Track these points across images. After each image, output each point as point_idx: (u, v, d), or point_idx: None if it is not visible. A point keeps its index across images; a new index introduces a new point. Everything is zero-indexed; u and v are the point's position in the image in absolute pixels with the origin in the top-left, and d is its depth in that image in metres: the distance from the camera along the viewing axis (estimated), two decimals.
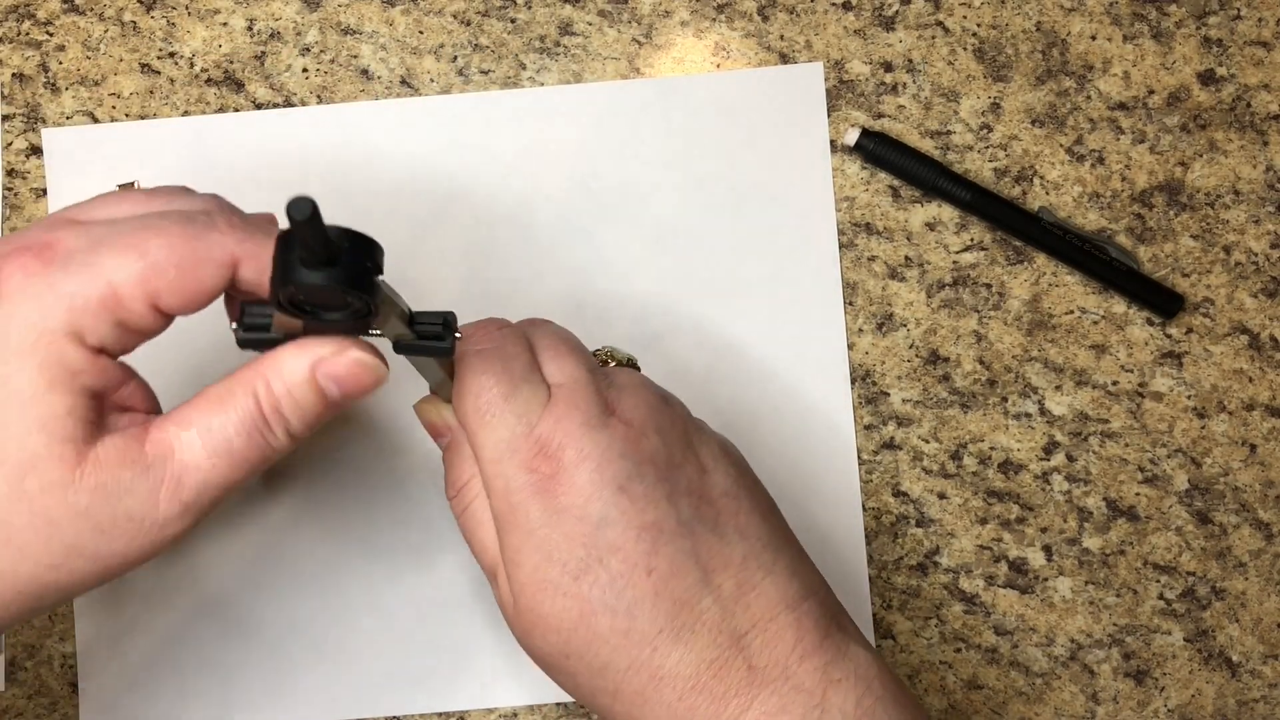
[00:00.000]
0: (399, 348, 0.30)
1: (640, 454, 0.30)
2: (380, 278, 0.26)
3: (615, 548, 0.29)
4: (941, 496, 0.44)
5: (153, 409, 0.31)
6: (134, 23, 0.45)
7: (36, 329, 0.26)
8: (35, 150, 0.45)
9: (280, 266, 0.25)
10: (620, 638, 0.29)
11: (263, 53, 0.45)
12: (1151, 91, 0.45)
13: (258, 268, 0.29)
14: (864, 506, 0.44)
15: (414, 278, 0.44)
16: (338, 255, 0.25)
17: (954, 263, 0.44)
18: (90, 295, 0.27)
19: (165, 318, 0.29)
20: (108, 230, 0.28)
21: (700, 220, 0.44)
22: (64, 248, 0.27)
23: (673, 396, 0.34)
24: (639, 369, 0.36)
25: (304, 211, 0.23)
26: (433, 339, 0.29)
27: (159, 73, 0.45)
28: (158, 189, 0.31)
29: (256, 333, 0.29)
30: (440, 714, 0.43)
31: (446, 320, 0.29)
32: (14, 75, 0.45)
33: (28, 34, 0.45)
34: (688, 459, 0.32)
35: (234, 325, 0.29)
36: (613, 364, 0.35)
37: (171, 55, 0.45)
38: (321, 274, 0.24)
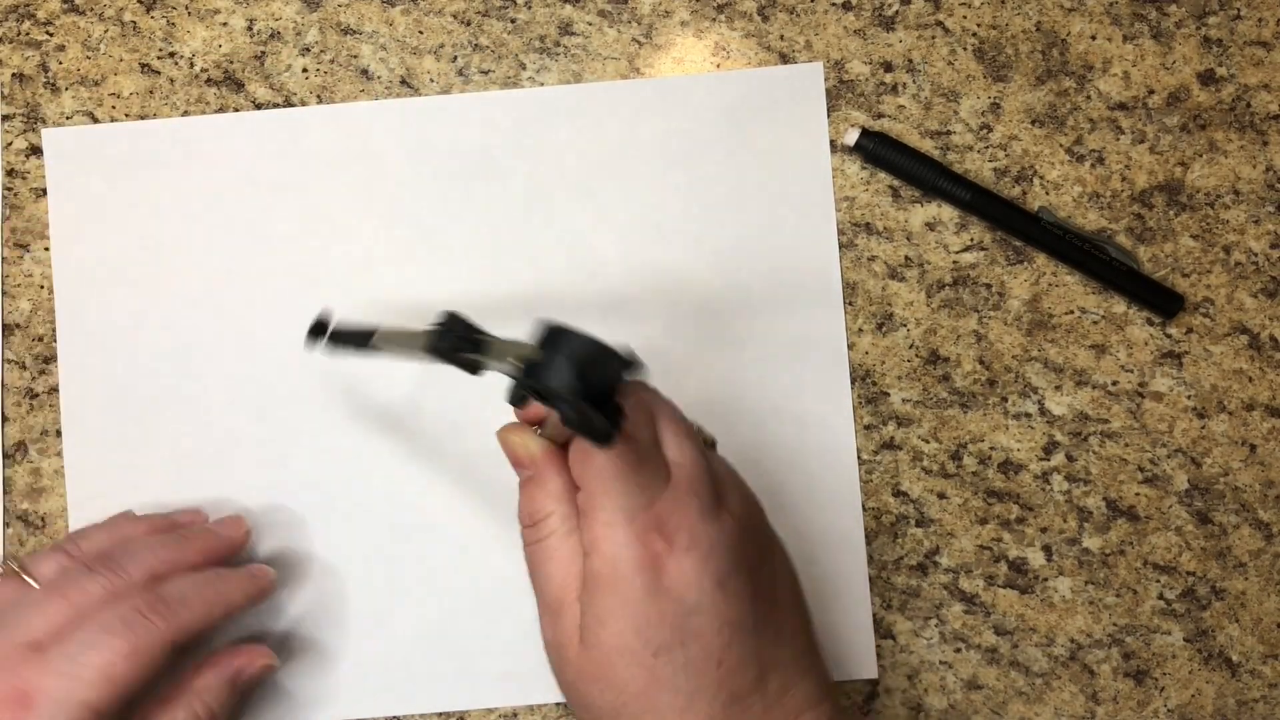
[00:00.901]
0: (567, 422, 0.31)
1: (739, 552, 0.32)
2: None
3: (698, 635, 0.31)
4: (941, 496, 0.44)
5: None
6: (134, 23, 0.45)
7: None
8: (35, 150, 0.45)
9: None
10: (675, 714, 0.31)
11: (263, 53, 0.45)
12: (1151, 91, 0.45)
13: (190, 632, 0.36)
14: (864, 507, 0.44)
15: (415, 278, 0.44)
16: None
17: (954, 263, 0.44)
18: None
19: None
20: (72, 666, 0.33)
21: (701, 220, 0.44)
22: (41, 692, 0.33)
23: (754, 494, 0.36)
24: (716, 448, 0.37)
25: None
26: (598, 428, 0.31)
27: (159, 73, 0.45)
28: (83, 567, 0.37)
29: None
30: (440, 714, 0.43)
31: (615, 412, 0.30)
32: (14, 75, 0.45)
33: (28, 34, 0.45)
34: (766, 561, 0.34)
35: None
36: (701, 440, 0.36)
37: (171, 55, 0.45)
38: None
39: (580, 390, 0.28)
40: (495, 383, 0.44)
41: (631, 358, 0.29)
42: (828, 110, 0.45)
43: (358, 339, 0.34)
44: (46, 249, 0.45)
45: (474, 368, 0.32)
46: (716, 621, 0.31)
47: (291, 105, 0.45)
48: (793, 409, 0.44)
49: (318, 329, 0.35)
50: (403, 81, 0.45)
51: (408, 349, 0.33)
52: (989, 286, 0.44)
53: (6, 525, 0.44)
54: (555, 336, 0.29)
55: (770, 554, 0.34)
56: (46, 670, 0.33)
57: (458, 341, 0.31)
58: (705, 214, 0.44)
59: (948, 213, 0.45)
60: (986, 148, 0.45)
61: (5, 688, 0.33)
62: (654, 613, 0.31)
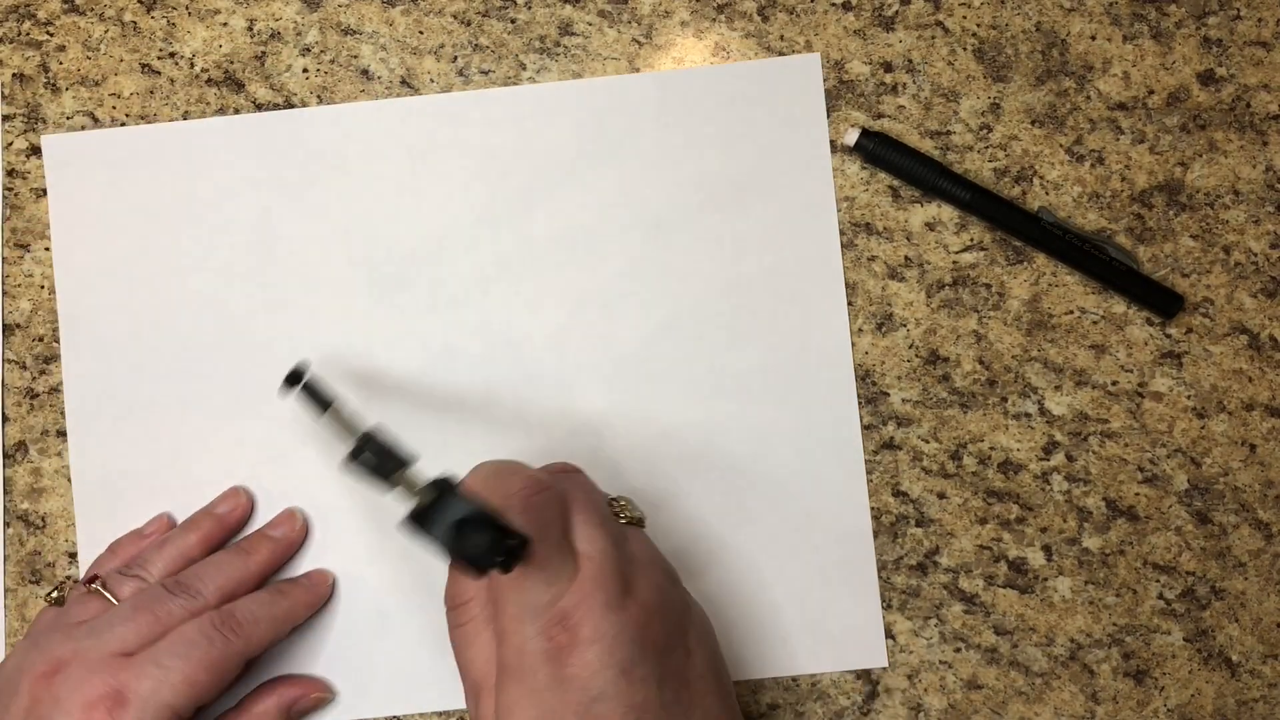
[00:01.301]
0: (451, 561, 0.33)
1: (645, 638, 0.33)
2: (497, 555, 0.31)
3: None
4: (941, 496, 0.44)
5: None
6: (134, 23, 0.45)
7: None
8: (35, 150, 0.45)
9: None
10: None
11: (263, 53, 0.45)
12: (1151, 91, 0.45)
13: (261, 647, 0.40)
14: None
15: (416, 278, 0.44)
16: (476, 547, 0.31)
17: (954, 263, 0.45)
18: None
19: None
20: (160, 671, 0.37)
21: (701, 215, 0.44)
22: (133, 693, 0.36)
23: (673, 571, 0.37)
24: (644, 525, 0.38)
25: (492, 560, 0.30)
26: (494, 557, 0.32)
27: (159, 73, 0.45)
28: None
29: (362, 466, 0.34)
30: (440, 713, 0.43)
31: (514, 547, 0.31)
32: (14, 75, 0.45)
33: (28, 34, 0.45)
34: (679, 642, 0.34)
35: (348, 459, 0.34)
36: (624, 519, 0.37)
37: (172, 55, 0.45)
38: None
39: (456, 551, 0.30)
40: (496, 384, 0.44)
41: (513, 534, 0.31)
42: (828, 111, 0.45)
43: (320, 403, 0.36)
44: (47, 249, 0.45)
45: (386, 488, 0.33)
46: (621, 707, 0.32)
47: (292, 105, 0.45)
48: (797, 403, 0.44)
49: (293, 378, 0.37)
50: (403, 82, 0.45)
51: (342, 440, 0.35)
52: (989, 286, 0.44)
53: (7, 525, 0.44)
54: (443, 493, 0.31)
55: (683, 634, 0.35)
56: (138, 674, 0.37)
57: (369, 467, 0.33)
58: (706, 208, 0.44)
59: (948, 213, 0.45)
60: (986, 148, 0.45)
61: (103, 687, 0.36)
62: (558, 702, 0.32)
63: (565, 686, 0.32)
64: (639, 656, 0.33)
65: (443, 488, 0.31)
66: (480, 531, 0.30)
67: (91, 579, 0.40)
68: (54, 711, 0.36)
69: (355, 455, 0.34)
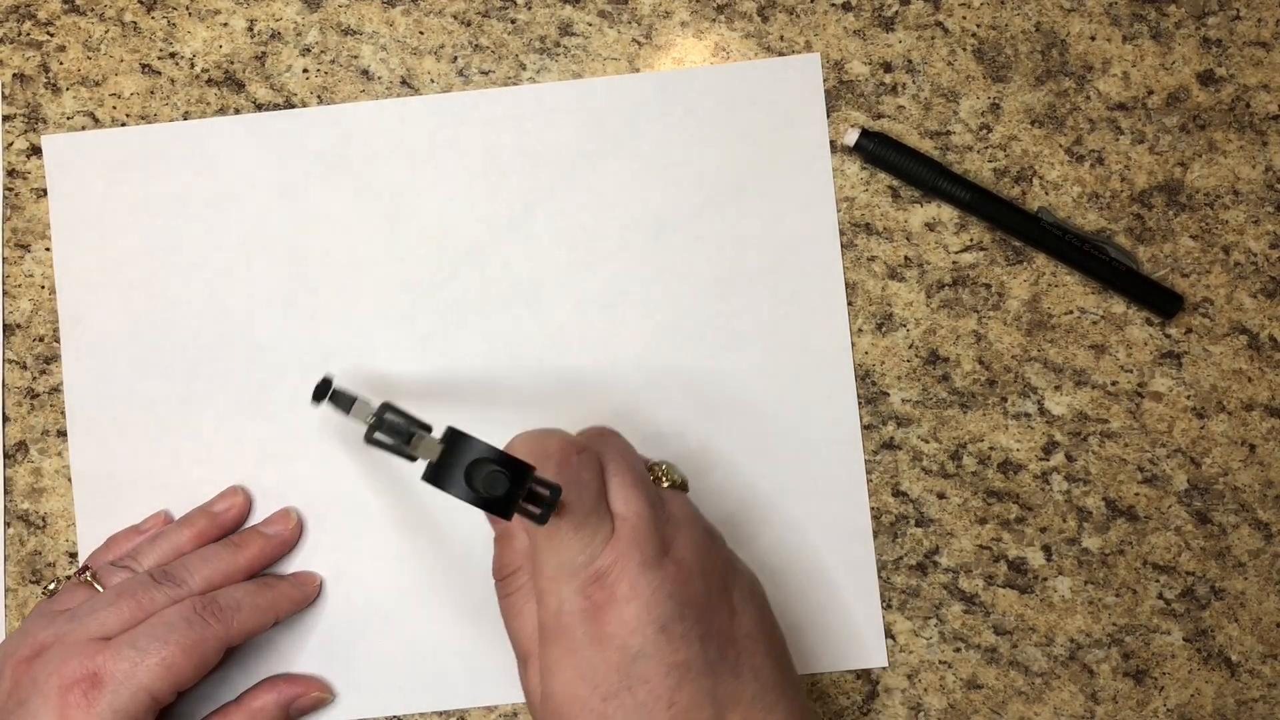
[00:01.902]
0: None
1: (685, 596, 0.33)
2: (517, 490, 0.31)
3: (645, 679, 0.32)
4: (941, 496, 0.44)
5: None
6: (134, 23, 0.45)
7: None
8: (36, 150, 0.45)
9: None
10: None
11: (263, 53, 0.45)
12: (1151, 92, 0.45)
13: (243, 634, 0.40)
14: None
15: (416, 278, 0.44)
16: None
17: (954, 263, 0.45)
18: (139, 707, 0.37)
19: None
20: (136, 653, 0.37)
21: (701, 215, 0.44)
22: (109, 674, 0.37)
23: (716, 532, 0.37)
24: (687, 489, 0.38)
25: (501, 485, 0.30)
26: (537, 507, 0.32)
27: (159, 73, 0.45)
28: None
29: (386, 435, 0.34)
30: (440, 713, 0.43)
31: (547, 498, 0.32)
32: (15, 75, 0.45)
33: (28, 34, 0.45)
34: (723, 601, 0.35)
35: (368, 427, 0.34)
36: (665, 484, 0.37)
37: (172, 56, 0.45)
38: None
39: (473, 498, 0.31)
40: (496, 384, 0.44)
41: (538, 478, 0.31)
42: (828, 111, 0.45)
43: (345, 404, 0.37)
44: (47, 249, 0.45)
45: (409, 458, 0.34)
46: (663, 666, 0.32)
47: (292, 105, 0.45)
48: (797, 403, 0.44)
49: (320, 392, 0.38)
50: (403, 82, 0.45)
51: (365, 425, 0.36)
52: (989, 286, 0.44)
53: (7, 525, 0.44)
54: (453, 441, 0.31)
55: (727, 593, 0.35)
56: (114, 655, 0.37)
57: (388, 437, 0.34)
58: (706, 209, 0.44)
59: (947, 213, 0.45)
60: (986, 148, 0.45)
61: (80, 670, 0.37)
62: (599, 660, 0.32)
63: (605, 645, 0.32)
64: (678, 614, 0.33)
65: (452, 438, 0.31)
66: (491, 469, 0.30)
67: (83, 570, 0.41)
68: (32, 694, 0.37)
69: (372, 432, 0.34)
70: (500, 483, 0.30)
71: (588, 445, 0.35)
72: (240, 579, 0.41)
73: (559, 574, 0.33)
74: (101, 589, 0.40)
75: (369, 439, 0.34)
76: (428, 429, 0.34)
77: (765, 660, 0.34)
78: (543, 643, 0.34)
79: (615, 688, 0.32)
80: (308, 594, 0.43)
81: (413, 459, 0.33)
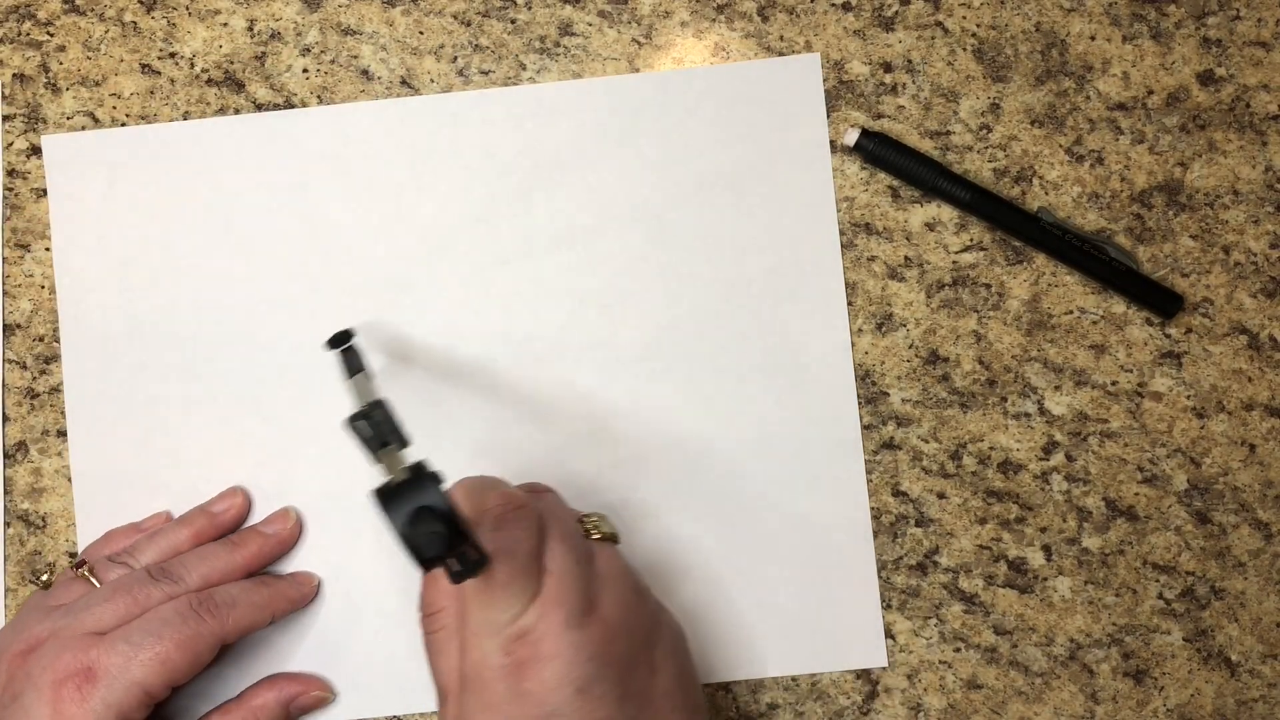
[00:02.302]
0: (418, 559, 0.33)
1: (607, 656, 0.33)
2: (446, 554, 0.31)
3: None
4: (941, 496, 0.44)
5: None
6: (134, 23, 0.45)
7: None
8: (36, 150, 0.45)
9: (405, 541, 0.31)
10: None
11: (263, 53, 0.45)
12: (1151, 92, 0.45)
13: (238, 631, 0.40)
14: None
15: (416, 278, 0.44)
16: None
17: (954, 263, 0.45)
18: (133, 701, 0.37)
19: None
20: (130, 648, 0.37)
21: (701, 215, 0.44)
22: (103, 669, 0.37)
23: (643, 586, 0.37)
24: (618, 541, 0.38)
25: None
26: (459, 565, 0.32)
27: (159, 73, 0.45)
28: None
29: (364, 428, 0.34)
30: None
31: (475, 562, 0.32)
32: (15, 76, 0.45)
33: (28, 34, 0.45)
34: (644, 659, 0.35)
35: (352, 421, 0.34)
36: (596, 535, 0.37)
37: (172, 56, 0.45)
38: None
39: (406, 541, 0.30)
40: (496, 384, 0.44)
41: (473, 547, 0.31)
42: (827, 111, 0.45)
43: (352, 367, 0.37)
44: (47, 249, 0.45)
45: (373, 459, 0.34)
46: None
47: (292, 105, 0.45)
48: (797, 403, 0.44)
49: (338, 339, 0.38)
50: (403, 82, 0.45)
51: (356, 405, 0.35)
52: (988, 286, 0.44)
53: (7, 525, 0.44)
54: (418, 476, 0.31)
55: (649, 650, 0.35)
56: (108, 650, 0.37)
57: (364, 433, 0.33)
58: (706, 208, 0.44)
59: (947, 213, 0.45)
60: (986, 148, 0.45)
61: (74, 664, 0.37)
62: (516, 716, 0.33)
63: (523, 701, 0.33)
64: (598, 675, 0.33)
65: (419, 471, 0.31)
66: (436, 526, 0.30)
67: (80, 564, 0.41)
68: (26, 688, 0.36)
69: (356, 418, 0.34)
70: (436, 545, 0.30)
71: (527, 502, 0.35)
72: (238, 577, 0.41)
73: (483, 629, 0.33)
74: (97, 583, 0.40)
75: (348, 422, 0.34)
76: (405, 443, 0.34)
77: (681, 718, 0.35)
78: (462, 690, 0.34)
79: None
80: (305, 594, 0.43)
81: (374, 462, 0.33)
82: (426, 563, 0.30)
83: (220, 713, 0.41)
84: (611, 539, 0.38)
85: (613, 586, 0.35)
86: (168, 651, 0.37)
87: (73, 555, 0.44)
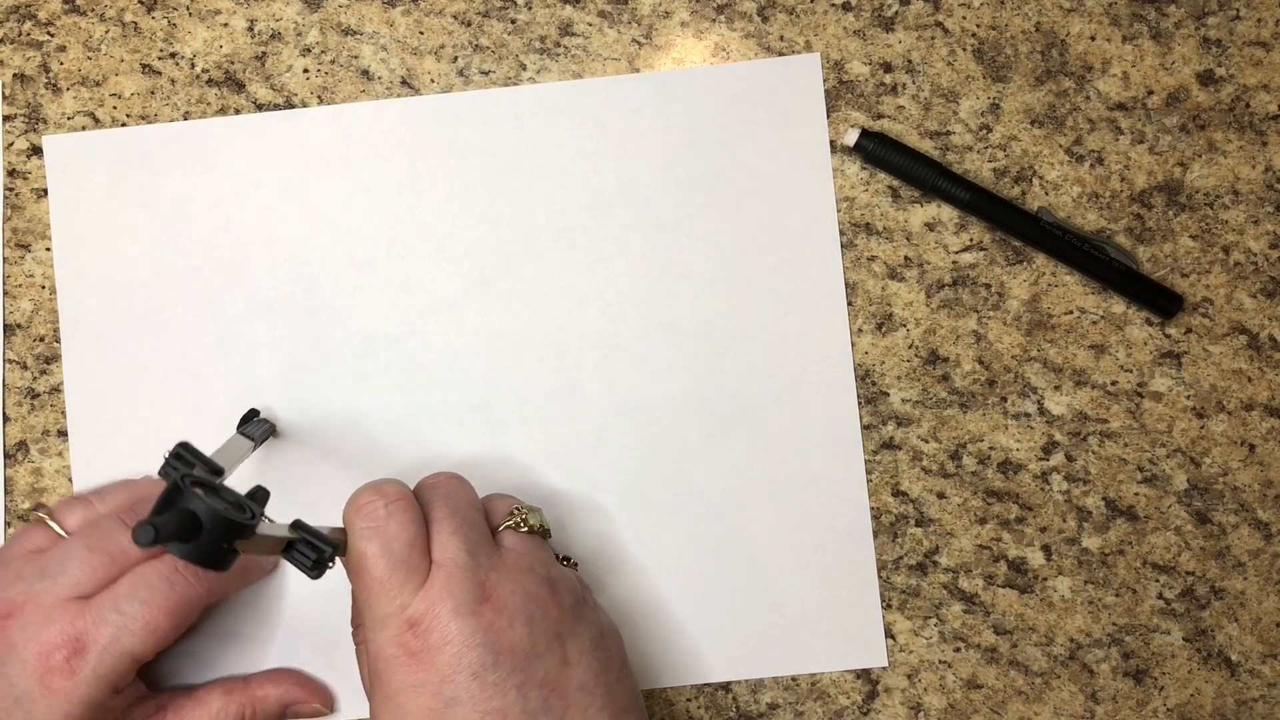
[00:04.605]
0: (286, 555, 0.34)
1: (500, 644, 0.34)
2: (242, 541, 0.31)
3: None
4: (941, 496, 0.44)
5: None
6: (135, 23, 0.45)
7: (85, 701, 0.36)
8: (36, 150, 0.45)
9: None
10: None
11: (263, 53, 0.45)
12: (1150, 92, 0.45)
13: (223, 592, 0.40)
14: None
15: (416, 278, 0.44)
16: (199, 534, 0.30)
17: (953, 263, 0.45)
18: (122, 670, 0.36)
19: None
20: (120, 618, 0.36)
21: (701, 215, 0.44)
22: (93, 640, 0.36)
23: (560, 580, 0.37)
24: (549, 535, 0.38)
25: (147, 535, 0.28)
26: (311, 563, 0.33)
27: (160, 73, 0.45)
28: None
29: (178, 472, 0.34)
30: None
31: (322, 554, 0.33)
32: (15, 76, 0.45)
33: (29, 34, 0.45)
34: (551, 650, 0.35)
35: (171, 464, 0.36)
36: (524, 529, 0.37)
37: (172, 56, 0.45)
38: (184, 548, 0.30)
39: (166, 536, 0.29)
40: (495, 384, 0.44)
41: (247, 520, 0.31)
42: (827, 111, 0.45)
43: (250, 435, 0.40)
44: (48, 249, 0.45)
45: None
46: (477, 712, 0.33)
47: (292, 106, 0.45)
48: (797, 403, 0.44)
49: (243, 420, 0.40)
50: (403, 82, 0.45)
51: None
52: (988, 286, 0.44)
53: (7, 525, 0.44)
54: (174, 497, 0.31)
55: (560, 642, 0.35)
56: (97, 620, 0.36)
57: (180, 477, 0.33)
58: (706, 208, 0.45)
59: (947, 213, 0.45)
60: (986, 148, 0.45)
61: (60, 635, 0.36)
62: (415, 707, 0.33)
63: (420, 692, 0.33)
64: (493, 662, 0.33)
65: (180, 482, 0.31)
66: (186, 524, 0.30)
67: (36, 507, 0.39)
68: (9, 658, 0.35)
69: (165, 468, 0.35)
70: (206, 544, 0.30)
71: (404, 496, 0.35)
72: None
73: (373, 624, 0.34)
74: (59, 526, 0.39)
75: (161, 473, 0.35)
76: (218, 471, 0.35)
77: (599, 714, 0.35)
78: (372, 689, 0.34)
79: None
80: None
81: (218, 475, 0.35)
82: (197, 564, 0.30)
83: (223, 689, 0.41)
84: (542, 533, 0.38)
85: (515, 577, 0.35)
86: (156, 619, 0.37)
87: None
